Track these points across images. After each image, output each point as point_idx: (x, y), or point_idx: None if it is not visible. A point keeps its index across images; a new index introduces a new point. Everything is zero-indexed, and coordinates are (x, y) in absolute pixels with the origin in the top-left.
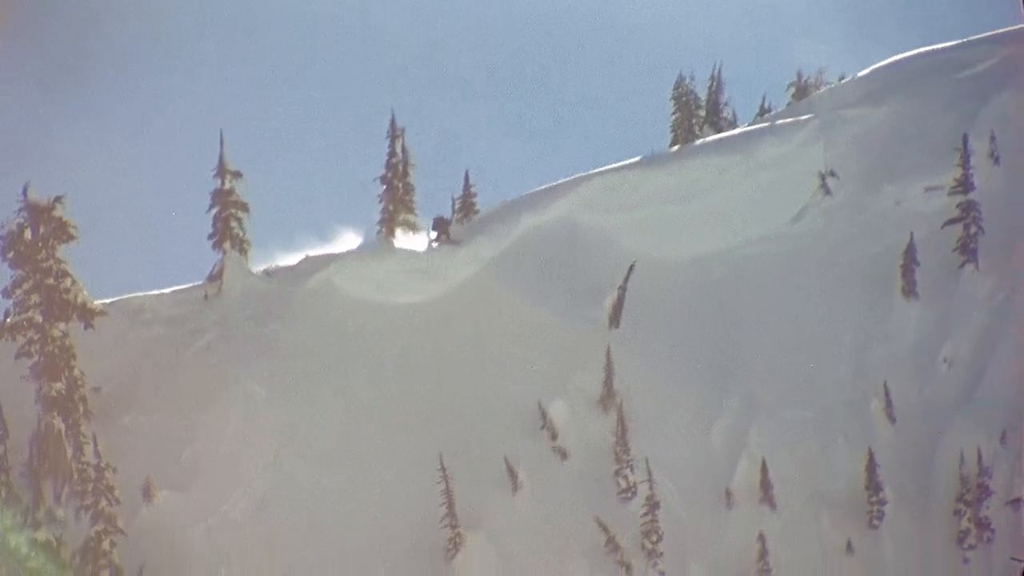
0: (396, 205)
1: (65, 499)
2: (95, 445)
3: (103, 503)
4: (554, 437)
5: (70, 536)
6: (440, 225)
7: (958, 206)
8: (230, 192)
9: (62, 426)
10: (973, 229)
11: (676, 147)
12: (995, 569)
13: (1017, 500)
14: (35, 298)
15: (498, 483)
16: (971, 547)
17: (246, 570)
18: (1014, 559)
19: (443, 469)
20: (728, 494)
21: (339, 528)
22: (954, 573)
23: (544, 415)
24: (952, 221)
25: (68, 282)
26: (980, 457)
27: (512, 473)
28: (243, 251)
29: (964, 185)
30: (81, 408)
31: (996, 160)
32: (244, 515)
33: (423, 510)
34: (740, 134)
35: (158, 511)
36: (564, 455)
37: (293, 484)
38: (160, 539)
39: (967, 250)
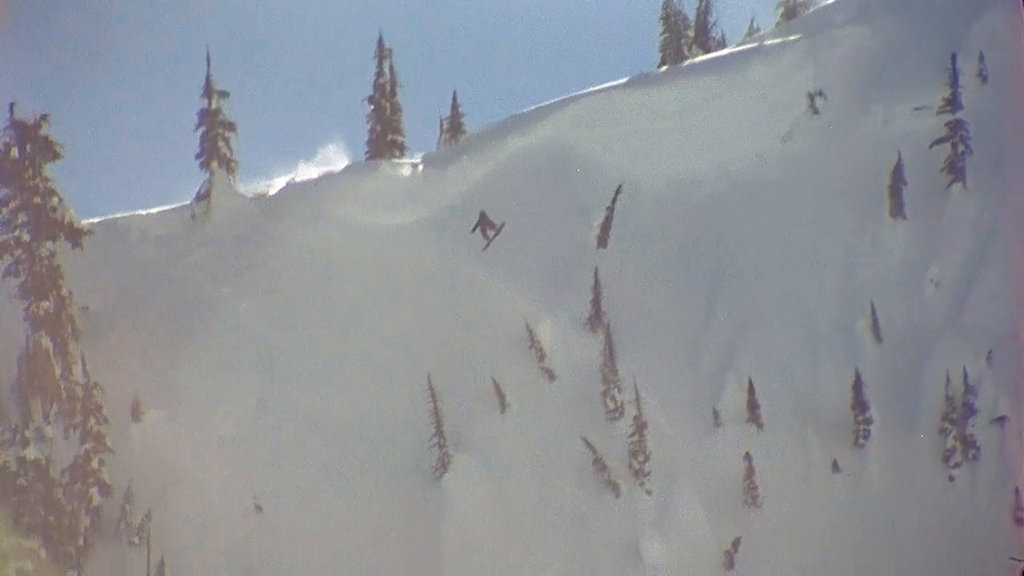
0: (384, 126)
1: (54, 418)
2: (83, 364)
3: (91, 422)
4: (542, 358)
5: (59, 454)
6: (484, 222)
7: (946, 125)
8: (217, 112)
9: (50, 345)
10: (961, 148)
11: (665, 68)
12: (980, 488)
13: (1002, 418)
14: (22, 217)
15: (486, 404)
16: (956, 465)
17: (233, 489)
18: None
19: (431, 390)
20: (715, 414)
21: (326, 449)
22: (939, 491)
23: (532, 336)
24: (940, 140)
25: (55, 201)
26: (966, 376)
27: (500, 394)
28: (230, 171)
29: (952, 104)
30: (69, 327)
31: (984, 79)
32: (232, 434)
33: (411, 430)
34: (729, 55)
35: (146, 430)
36: (552, 376)
37: (280, 405)
38: (149, 458)
39: (955, 169)
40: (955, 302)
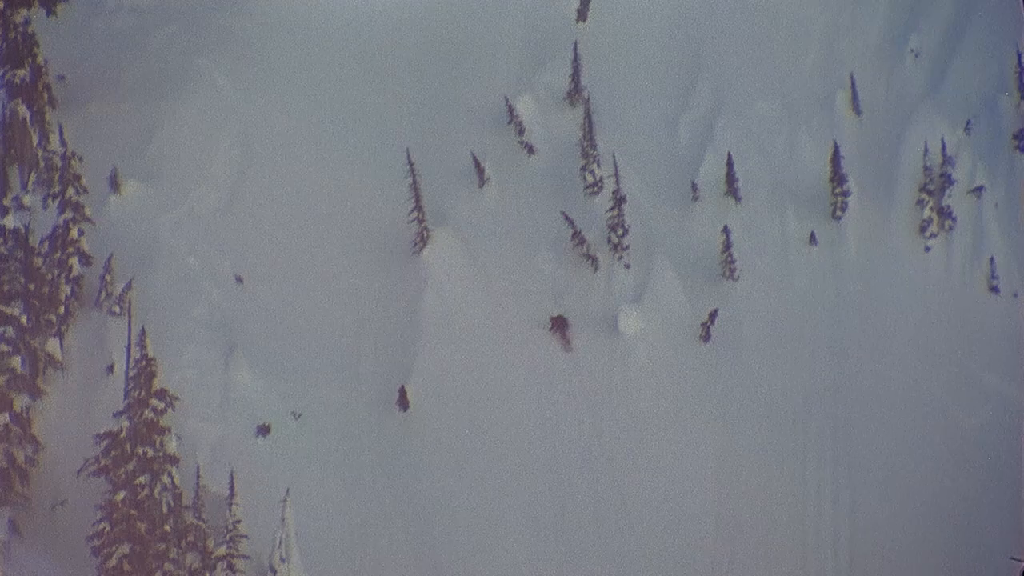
0: None
1: (32, 187)
2: (61, 134)
3: (70, 191)
4: (521, 132)
5: (38, 224)
6: (559, 324)
7: None
8: None
9: (27, 113)
10: None
11: None
12: (955, 258)
13: (979, 188)
14: None
15: (465, 178)
16: (932, 236)
17: (213, 261)
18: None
19: (410, 164)
20: (693, 188)
21: (305, 222)
22: (914, 261)
23: (511, 110)
24: None
25: None
26: (944, 147)
27: (479, 168)
28: None
29: None
30: (46, 96)
31: None
32: (212, 207)
33: (390, 205)
34: None
35: (126, 201)
36: (531, 150)
37: (260, 179)
38: (128, 229)
39: None
40: (934, 72)
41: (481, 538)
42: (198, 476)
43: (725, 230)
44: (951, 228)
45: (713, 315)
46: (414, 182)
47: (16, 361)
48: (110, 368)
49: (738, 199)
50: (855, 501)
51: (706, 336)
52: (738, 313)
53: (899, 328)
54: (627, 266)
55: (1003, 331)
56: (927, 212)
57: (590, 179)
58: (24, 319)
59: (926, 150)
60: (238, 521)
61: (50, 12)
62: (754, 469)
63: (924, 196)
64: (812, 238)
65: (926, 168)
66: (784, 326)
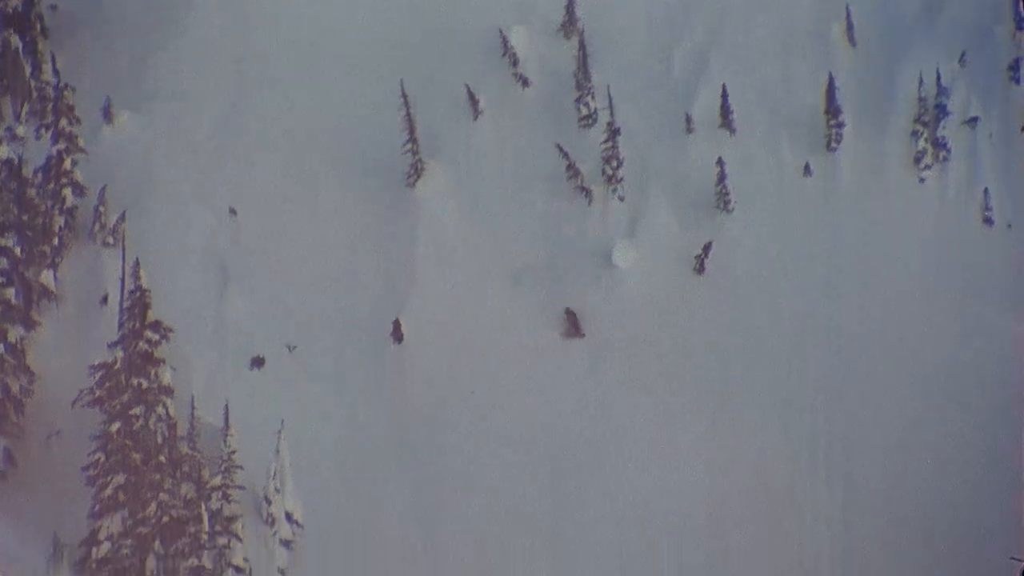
0: None
1: (25, 118)
2: (53, 64)
3: (63, 122)
4: (515, 64)
5: (31, 155)
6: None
7: None
8: None
9: (19, 44)
10: None
11: None
12: (950, 189)
13: (974, 119)
14: None
15: (459, 110)
16: (927, 167)
17: (207, 192)
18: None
19: (404, 96)
20: (688, 120)
21: (299, 154)
22: (909, 193)
23: (505, 42)
24: None
25: None
26: (939, 78)
27: (473, 100)
28: None
29: None
30: (38, 26)
31: None
32: (205, 138)
33: (384, 138)
34: None
35: (119, 132)
36: (525, 82)
37: (253, 110)
38: (122, 160)
39: None
40: (930, 3)
41: (474, 466)
42: (193, 407)
43: (719, 162)
44: (945, 159)
45: (707, 247)
46: (408, 114)
47: (10, 292)
48: (104, 299)
49: (733, 131)
50: (850, 450)
51: (700, 268)
52: (732, 245)
53: (893, 259)
54: (621, 199)
55: (997, 262)
56: (922, 143)
57: (584, 111)
58: (18, 250)
59: (921, 81)
60: (233, 452)
61: None
62: (749, 405)
63: (919, 127)
64: (807, 169)
65: (921, 99)
66: (778, 258)
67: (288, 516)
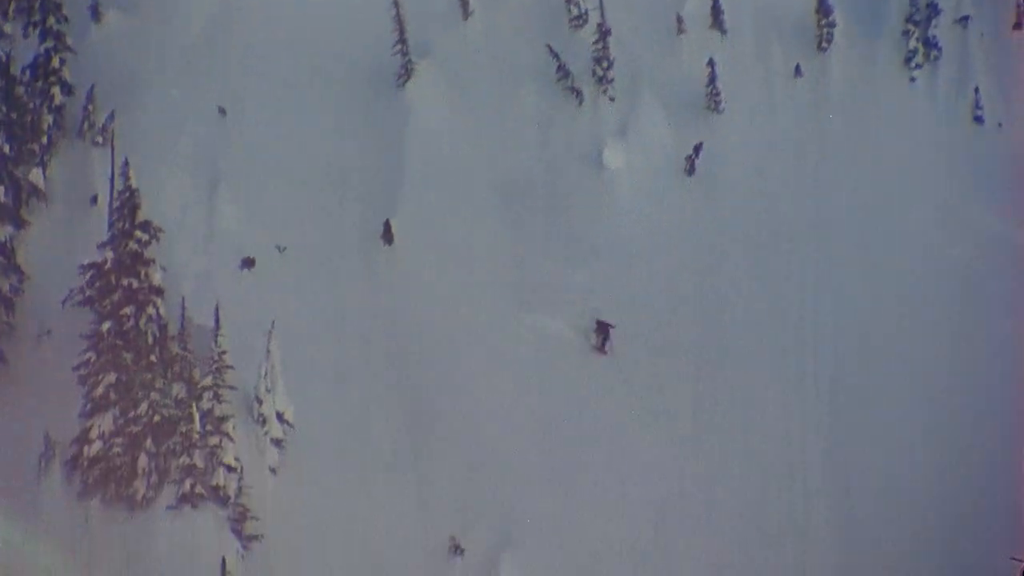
0: None
1: (12, 15)
2: None
3: (51, 20)
4: None
5: (19, 53)
6: (602, 329)
7: None
8: None
9: None
10: None
11: None
12: (940, 88)
13: (965, 18)
14: None
15: (449, 10)
16: (918, 67)
17: (197, 92)
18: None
19: None
20: (679, 20)
21: (288, 54)
22: (899, 92)
23: None
24: None
25: None
26: None
27: (463, 0)
28: None
29: None
30: None
31: None
32: (194, 39)
33: (374, 38)
34: None
35: (107, 31)
36: None
37: (242, 10)
38: (110, 59)
39: None
40: None
41: (462, 371)
42: (183, 307)
43: (710, 63)
44: (936, 59)
45: (698, 148)
46: (398, 14)
47: None
48: (94, 199)
49: (723, 32)
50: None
51: (691, 169)
52: (723, 146)
53: (883, 159)
54: (612, 99)
55: (987, 162)
56: (912, 43)
57: (575, 12)
58: (7, 148)
59: None
60: (223, 352)
61: None
62: (740, 300)
63: (910, 27)
64: (797, 70)
65: None
66: (769, 158)
67: (279, 416)
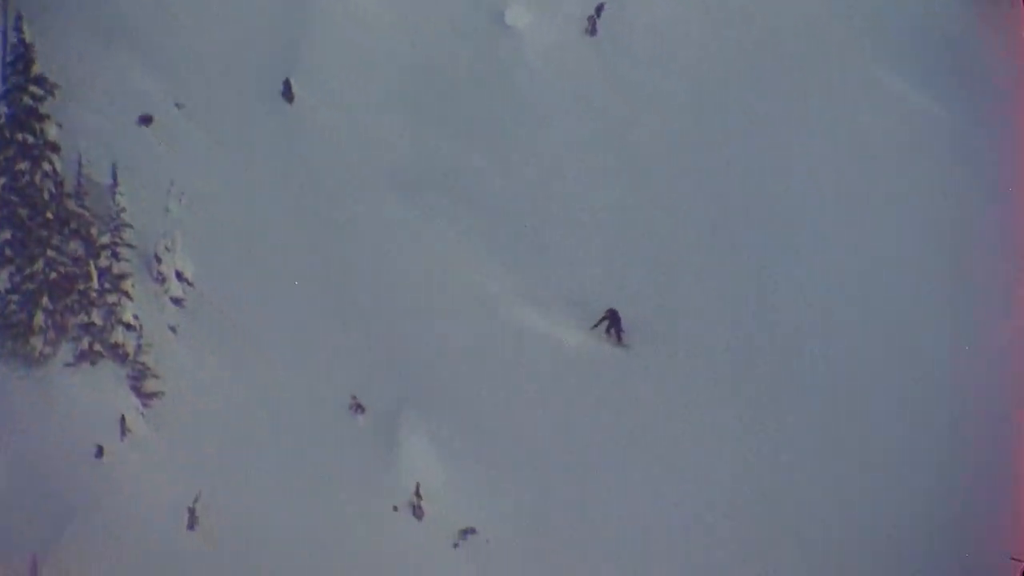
0: None
1: None
2: None
3: None
4: None
5: None
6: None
7: None
8: None
9: None
10: None
11: None
12: None
13: None
14: None
15: None
16: None
17: None
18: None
19: None
20: None
21: None
22: None
23: None
24: None
25: None
26: None
27: None
28: None
29: None
30: None
31: None
32: None
33: None
34: None
35: None
36: None
37: None
38: None
39: None
40: None
41: (373, 231)
42: (80, 164)
43: None
44: None
45: (600, 9)
46: None
47: None
48: None
49: None
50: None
51: (592, 30)
52: (627, 5)
53: (798, 26)
54: None
55: (908, 30)
56: None
57: None
58: None
59: None
60: (122, 210)
61: None
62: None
63: None
64: None
65: None
66: (675, 18)
67: (179, 274)
